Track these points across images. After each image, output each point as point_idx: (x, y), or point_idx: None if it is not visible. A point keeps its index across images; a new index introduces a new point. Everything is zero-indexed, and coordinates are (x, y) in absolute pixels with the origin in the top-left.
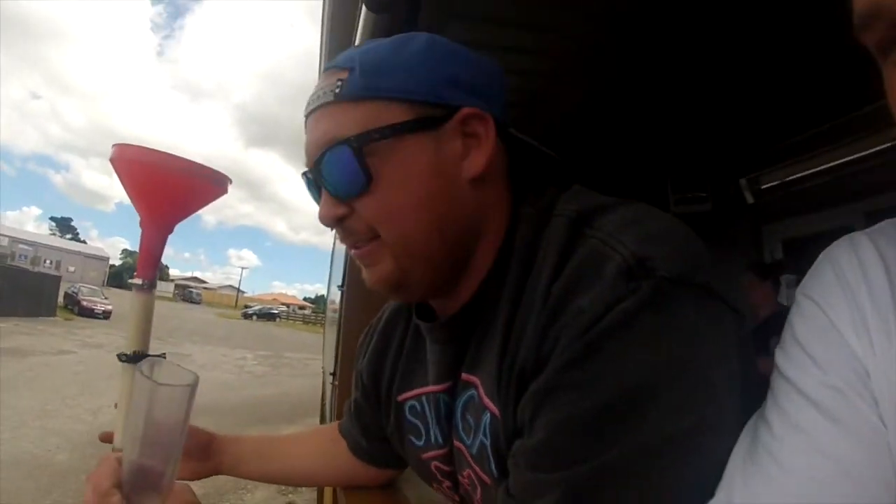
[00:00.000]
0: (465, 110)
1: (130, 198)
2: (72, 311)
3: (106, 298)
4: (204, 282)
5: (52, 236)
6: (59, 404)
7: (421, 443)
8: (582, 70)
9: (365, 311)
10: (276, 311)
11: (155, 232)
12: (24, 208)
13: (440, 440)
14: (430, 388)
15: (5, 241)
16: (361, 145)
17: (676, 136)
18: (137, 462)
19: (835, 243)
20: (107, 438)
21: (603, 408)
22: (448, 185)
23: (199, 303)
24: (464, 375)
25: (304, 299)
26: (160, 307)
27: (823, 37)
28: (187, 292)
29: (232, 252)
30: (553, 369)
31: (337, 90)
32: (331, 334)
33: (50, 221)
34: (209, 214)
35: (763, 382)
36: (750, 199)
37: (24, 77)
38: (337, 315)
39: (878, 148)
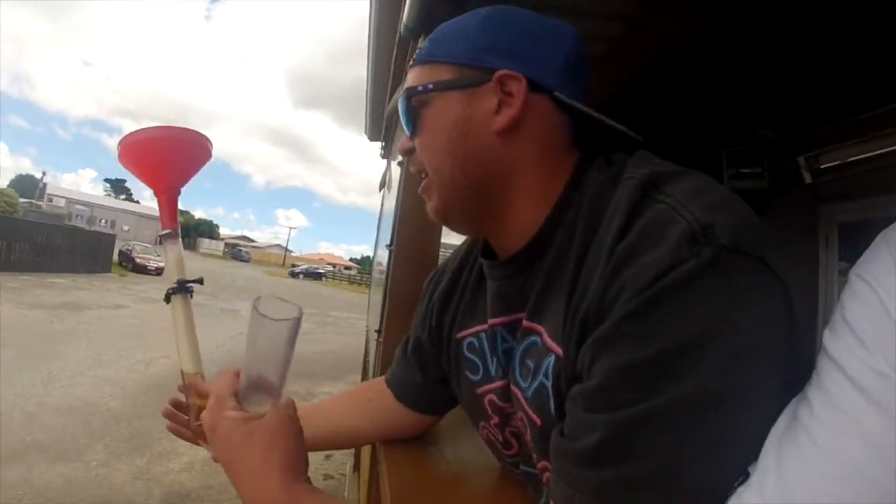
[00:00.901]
0: (500, 72)
1: (138, 178)
2: (126, 267)
3: (158, 255)
4: (253, 241)
5: (107, 197)
6: (114, 355)
7: (477, 377)
8: (646, 36)
9: (411, 271)
10: (322, 271)
11: (165, 198)
12: (80, 171)
13: (498, 373)
14: (490, 322)
15: (63, 203)
16: (410, 97)
17: (734, 108)
18: (255, 374)
19: (893, 225)
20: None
21: (656, 358)
22: (474, 134)
23: (248, 261)
24: (525, 322)
25: (350, 260)
26: (211, 265)
27: (892, 12)
28: (237, 251)
29: (280, 212)
30: (614, 319)
31: (416, 55)
32: (376, 294)
33: (105, 183)
34: (258, 175)
35: (808, 363)
36: (808, 178)
37: (75, 45)
38: (384, 275)
39: None
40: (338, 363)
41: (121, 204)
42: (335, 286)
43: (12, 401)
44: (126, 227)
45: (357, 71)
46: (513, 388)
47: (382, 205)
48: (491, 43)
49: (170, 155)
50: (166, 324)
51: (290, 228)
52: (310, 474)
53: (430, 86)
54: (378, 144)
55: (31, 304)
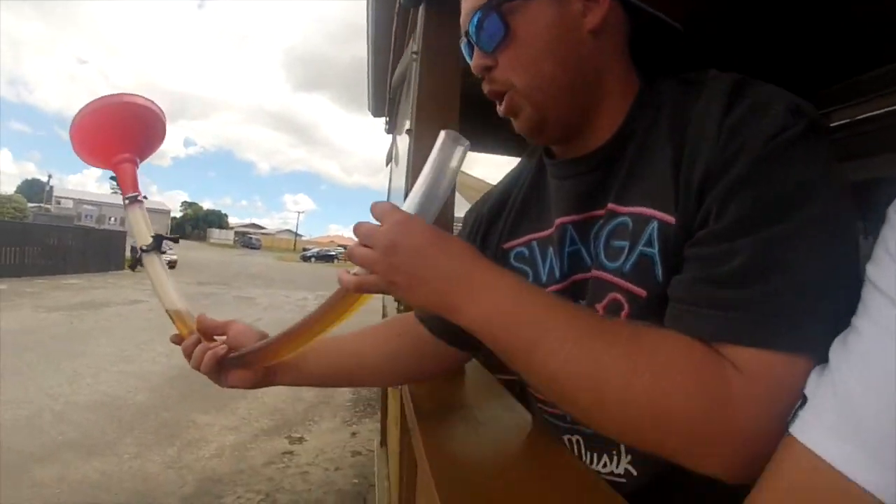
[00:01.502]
0: None
1: (91, 161)
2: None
3: (170, 249)
4: (262, 227)
5: (114, 195)
6: (135, 349)
7: None
8: None
9: None
10: (333, 253)
11: (121, 169)
12: (85, 171)
13: (557, 276)
14: (559, 222)
15: (70, 204)
16: (501, 3)
17: (743, 70)
18: (422, 199)
19: None
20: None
21: (788, 189)
22: (570, 36)
23: (258, 248)
24: (611, 207)
25: None
26: (222, 254)
27: None
28: (247, 238)
29: (288, 197)
30: (744, 165)
31: None
32: None
33: (111, 181)
34: (262, 161)
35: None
36: None
37: (69, 44)
38: None
39: None
40: None
41: None
42: (348, 267)
43: (41, 402)
44: None
45: (356, 50)
46: (595, 272)
47: (391, 179)
48: None
49: (113, 124)
50: None
51: (299, 213)
52: (336, 452)
53: None
54: (382, 120)
55: (49, 307)
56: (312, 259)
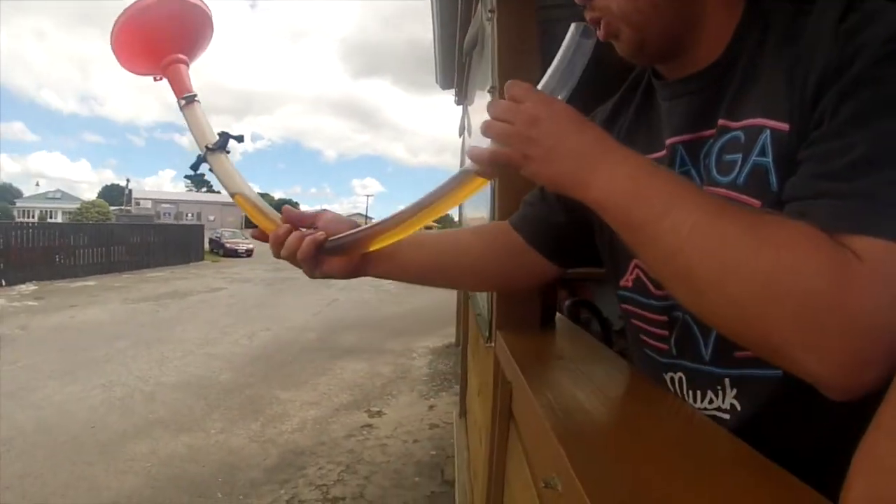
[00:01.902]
0: None
1: (136, 68)
2: (217, 253)
3: (246, 238)
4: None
5: (189, 192)
6: (218, 333)
7: None
8: None
9: (517, 191)
10: None
11: (171, 71)
12: (160, 172)
13: None
14: (670, 142)
15: (149, 204)
16: None
17: None
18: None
19: None
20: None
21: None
22: None
23: None
24: (721, 122)
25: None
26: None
27: None
28: None
29: (356, 182)
30: (855, 70)
31: None
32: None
33: (185, 180)
34: (328, 149)
35: None
36: None
37: None
38: (490, 201)
39: None
40: (429, 321)
41: (203, 196)
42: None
43: (132, 384)
44: (212, 217)
45: (411, 31)
46: (708, 190)
47: (463, 150)
48: None
49: (159, 24)
50: (263, 300)
51: (368, 196)
52: (414, 425)
53: None
54: (450, 93)
55: (136, 298)
56: None
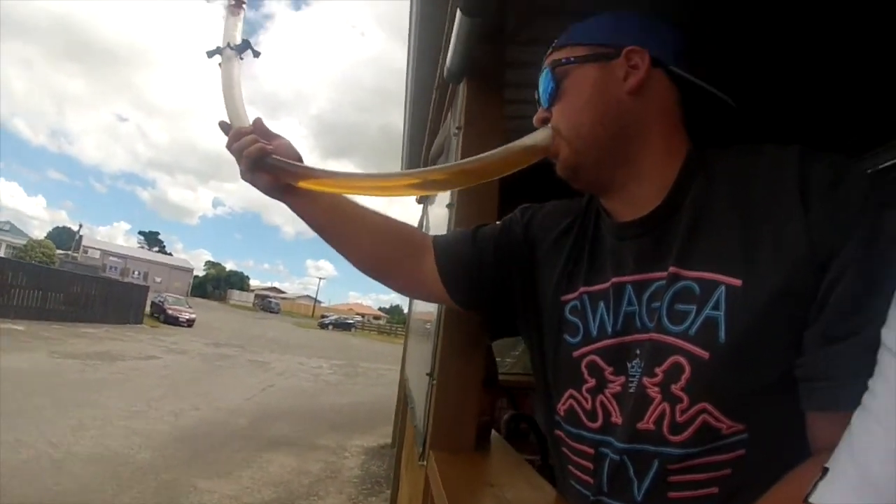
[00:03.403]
0: (628, 48)
1: None
2: (158, 318)
3: (190, 307)
4: (283, 292)
5: (141, 249)
6: (144, 406)
7: (577, 339)
8: None
9: (467, 315)
10: (351, 321)
11: None
12: (115, 223)
13: (609, 331)
14: (615, 280)
15: (97, 254)
16: (555, 67)
17: (792, 132)
18: None
19: None
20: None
21: (891, 253)
22: (609, 95)
23: (277, 312)
24: (673, 269)
25: (379, 309)
26: (241, 316)
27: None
28: (266, 302)
29: (310, 262)
30: (854, 242)
31: (556, 42)
32: (416, 342)
33: (138, 235)
34: (288, 225)
35: None
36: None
37: (111, 102)
38: (427, 321)
39: None
40: (369, 415)
41: (154, 256)
42: (365, 336)
43: (41, 448)
44: (158, 279)
45: (385, 117)
46: (656, 337)
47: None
48: (620, 29)
49: None
50: (196, 376)
51: (320, 279)
52: None
53: (573, 59)
54: None
55: (64, 353)
56: (330, 326)
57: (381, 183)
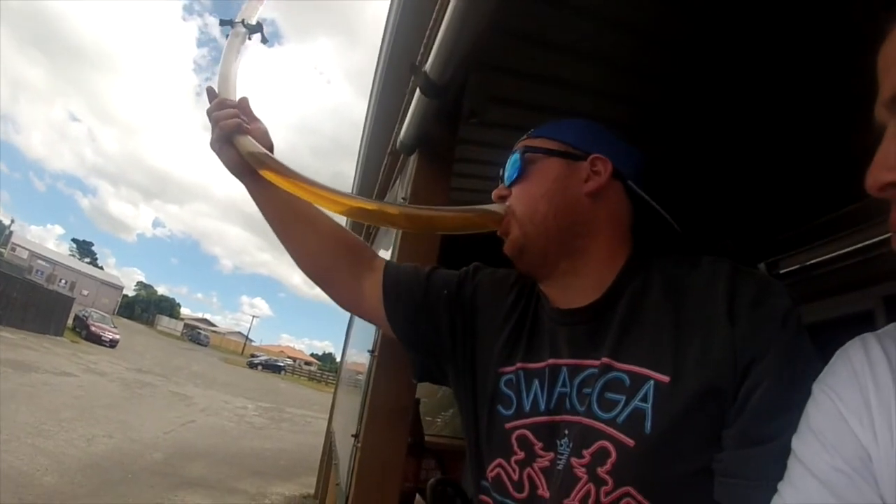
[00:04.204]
0: (594, 155)
1: None
2: (79, 334)
3: (115, 327)
4: (213, 325)
5: (71, 257)
6: (55, 426)
7: (510, 412)
8: None
9: (394, 380)
10: (281, 364)
11: None
12: (49, 225)
13: (541, 409)
14: (551, 362)
15: (25, 255)
16: (524, 153)
17: (694, 218)
18: None
19: (849, 343)
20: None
21: (805, 369)
22: (568, 191)
23: (206, 345)
24: (606, 360)
25: (312, 355)
26: (168, 344)
27: (840, 123)
28: (195, 333)
29: (245, 299)
30: (772, 354)
31: (532, 132)
32: (347, 395)
33: (71, 242)
34: (226, 258)
35: None
36: None
37: (68, 99)
38: (361, 379)
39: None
40: (292, 463)
41: (84, 267)
42: (294, 381)
43: None
44: (86, 292)
45: (338, 166)
46: (585, 421)
47: None
48: (591, 137)
49: None
50: (113, 401)
51: (253, 317)
52: None
53: (543, 149)
54: None
55: None
56: (259, 367)
57: (337, 198)
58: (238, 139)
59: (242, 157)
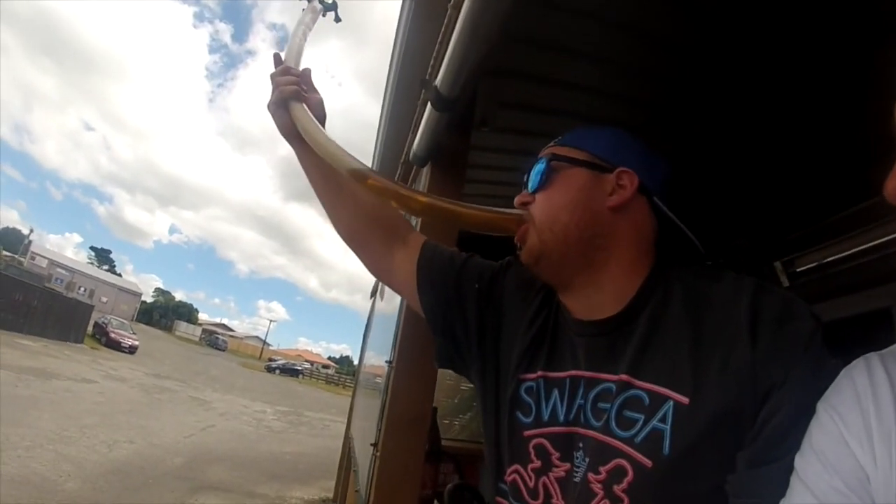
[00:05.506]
0: (620, 168)
1: None
2: (99, 340)
3: (134, 333)
4: (231, 329)
5: (90, 265)
6: (77, 432)
7: (529, 420)
8: None
9: (411, 390)
10: (299, 368)
11: None
12: (67, 234)
13: (560, 419)
14: (573, 373)
15: (45, 263)
16: (550, 160)
17: (710, 218)
18: None
19: (854, 363)
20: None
21: (822, 391)
22: (592, 203)
23: (224, 350)
24: (625, 377)
25: (329, 358)
26: (186, 350)
27: (855, 119)
28: (213, 338)
29: (261, 303)
30: (794, 380)
31: (560, 139)
32: (365, 399)
33: (89, 250)
34: (242, 263)
35: None
36: (785, 281)
37: (81, 108)
38: (379, 387)
39: None
40: (311, 467)
41: (103, 274)
42: (312, 385)
43: None
44: (104, 299)
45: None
46: (603, 438)
47: (372, 311)
48: (619, 148)
49: None
50: (134, 406)
51: (271, 321)
52: None
53: (570, 158)
54: None
55: None
56: (277, 371)
57: (366, 172)
58: (293, 106)
59: (293, 122)
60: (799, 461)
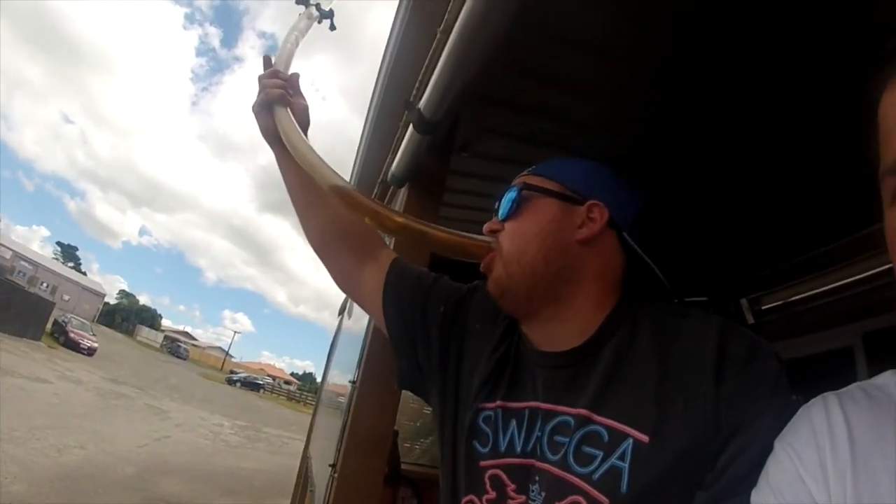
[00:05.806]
0: (591, 202)
1: None
2: (57, 339)
3: (94, 335)
4: (194, 338)
5: (55, 260)
6: (26, 433)
7: (486, 450)
8: None
9: (374, 412)
10: (261, 382)
11: None
12: (34, 227)
13: (517, 451)
14: (532, 404)
15: (8, 255)
16: (521, 189)
17: (679, 253)
18: None
19: (812, 402)
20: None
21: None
22: (561, 235)
23: (185, 358)
24: (585, 412)
25: (292, 374)
26: (146, 356)
27: (823, 163)
28: (175, 346)
29: (227, 313)
30: (760, 422)
31: (533, 168)
32: (326, 418)
33: (56, 245)
34: (211, 270)
35: None
36: (751, 319)
37: (63, 100)
38: (341, 407)
39: (875, 270)
40: (267, 484)
41: (67, 271)
42: (273, 400)
43: None
44: (67, 297)
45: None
46: (559, 473)
47: (339, 329)
48: (592, 180)
49: None
50: (88, 410)
51: (235, 332)
52: None
53: (541, 188)
54: None
55: None
56: (238, 384)
57: (344, 187)
58: (277, 110)
59: (276, 125)
60: (755, 497)
